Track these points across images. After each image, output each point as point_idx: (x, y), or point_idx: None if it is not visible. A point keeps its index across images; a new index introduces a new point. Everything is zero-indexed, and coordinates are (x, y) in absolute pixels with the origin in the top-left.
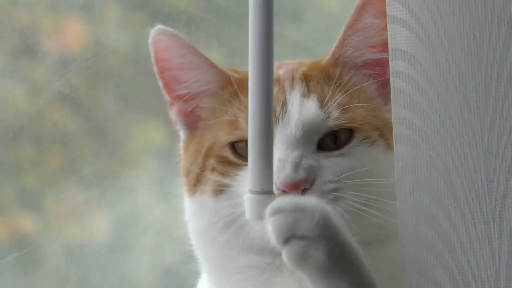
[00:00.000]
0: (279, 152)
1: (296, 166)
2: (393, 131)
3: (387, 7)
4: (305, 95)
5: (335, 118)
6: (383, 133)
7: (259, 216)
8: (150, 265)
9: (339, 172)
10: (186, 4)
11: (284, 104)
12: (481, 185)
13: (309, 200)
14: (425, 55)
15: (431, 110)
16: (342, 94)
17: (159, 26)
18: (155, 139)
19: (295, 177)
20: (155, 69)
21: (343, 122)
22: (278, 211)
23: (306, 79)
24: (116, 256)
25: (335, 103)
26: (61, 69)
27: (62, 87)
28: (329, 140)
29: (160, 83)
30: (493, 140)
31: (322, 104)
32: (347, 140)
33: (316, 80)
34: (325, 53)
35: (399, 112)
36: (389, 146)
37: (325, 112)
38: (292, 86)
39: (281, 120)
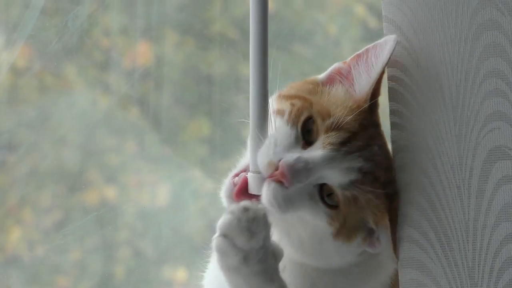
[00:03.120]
0: None
1: None
2: (390, 120)
3: (384, 29)
4: None
5: None
6: None
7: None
8: (198, 221)
9: None
10: (222, 29)
11: None
12: (455, 160)
13: None
14: (411, 63)
15: (416, 104)
16: None
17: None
18: (200, 129)
19: None
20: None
21: None
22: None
23: None
24: (172, 214)
25: None
26: (131, 78)
27: (130, 91)
28: None
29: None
30: (463, 126)
31: None
32: None
33: None
34: (326, 67)
35: (393, 106)
36: None
37: None
38: None
39: None
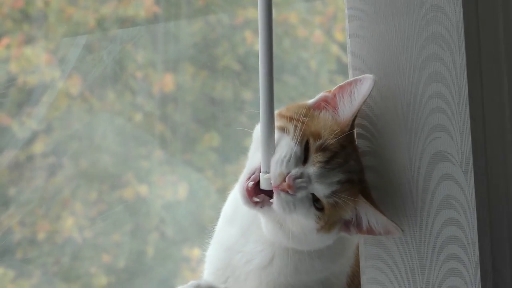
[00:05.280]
0: None
1: None
2: (356, 131)
3: (350, 62)
4: None
5: None
6: None
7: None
8: (209, 211)
9: None
10: (228, 63)
11: None
12: (406, 161)
13: None
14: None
15: (376, 118)
16: None
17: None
18: (210, 140)
19: None
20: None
21: None
22: None
23: None
24: (190, 206)
25: None
26: (157, 101)
27: (157, 111)
28: None
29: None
30: (412, 135)
31: None
32: None
33: None
34: (309, 93)
35: (358, 120)
36: None
37: None
38: None
39: None
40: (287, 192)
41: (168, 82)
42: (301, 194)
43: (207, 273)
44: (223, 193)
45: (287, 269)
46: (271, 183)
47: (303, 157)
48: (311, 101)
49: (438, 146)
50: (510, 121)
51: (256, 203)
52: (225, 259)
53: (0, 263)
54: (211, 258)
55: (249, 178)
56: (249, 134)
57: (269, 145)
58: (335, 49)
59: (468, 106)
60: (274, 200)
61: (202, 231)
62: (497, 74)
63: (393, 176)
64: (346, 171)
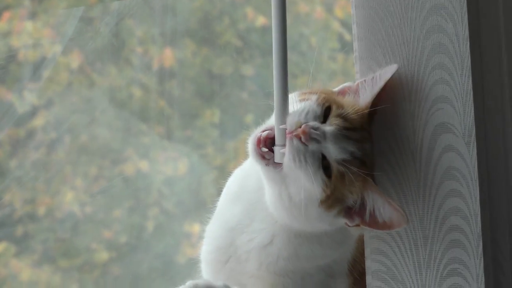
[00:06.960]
0: None
1: None
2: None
3: (355, 33)
4: None
5: None
6: None
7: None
8: (209, 187)
9: None
10: (229, 39)
11: None
12: (410, 132)
13: None
14: (380, 58)
15: (386, 97)
16: None
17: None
18: (211, 116)
19: None
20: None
21: None
22: None
23: None
24: (190, 182)
25: None
26: (158, 76)
27: (158, 86)
28: None
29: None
30: (416, 106)
31: None
32: None
33: None
34: (309, 69)
35: None
36: None
37: None
38: None
39: None
40: (300, 139)
41: (168, 56)
42: (312, 146)
43: (205, 249)
44: (222, 169)
45: (286, 251)
46: (285, 137)
47: (322, 118)
48: (336, 88)
49: (441, 117)
50: (509, 92)
51: (262, 157)
52: (227, 238)
53: (2, 238)
54: (212, 234)
55: (264, 131)
56: (249, 111)
57: (285, 109)
58: (336, 26)
59: (471, 77)
60: (286, 147)
61: (202, 207)
62: (496, 46)
63: (396, 147)
64: (360, 149)
